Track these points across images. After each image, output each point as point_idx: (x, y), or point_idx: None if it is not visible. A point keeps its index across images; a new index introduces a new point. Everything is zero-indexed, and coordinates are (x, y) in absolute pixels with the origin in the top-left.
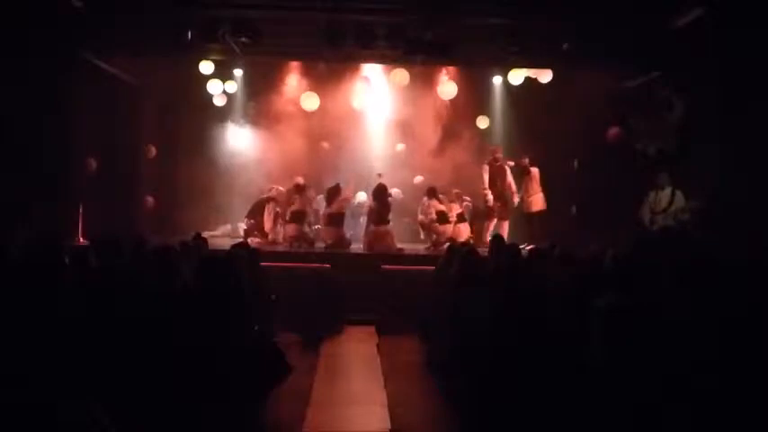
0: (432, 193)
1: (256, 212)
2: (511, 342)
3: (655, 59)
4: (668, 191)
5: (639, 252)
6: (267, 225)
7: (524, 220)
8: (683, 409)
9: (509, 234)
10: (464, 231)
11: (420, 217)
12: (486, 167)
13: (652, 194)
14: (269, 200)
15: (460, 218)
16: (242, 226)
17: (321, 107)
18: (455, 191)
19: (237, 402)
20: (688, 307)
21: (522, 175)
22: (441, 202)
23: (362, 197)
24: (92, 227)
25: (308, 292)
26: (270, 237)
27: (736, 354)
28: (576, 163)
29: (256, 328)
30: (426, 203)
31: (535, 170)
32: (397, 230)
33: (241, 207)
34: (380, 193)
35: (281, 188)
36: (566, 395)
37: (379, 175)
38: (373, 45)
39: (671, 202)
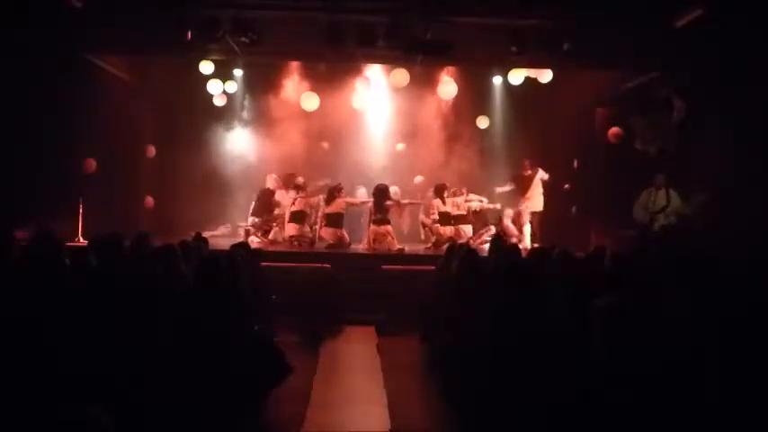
0: (438, 191)
1: (262, 210)
2: (511, 342)
3: (655, 59)
4: (664, 191)
5: (640, 251)
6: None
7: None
8: (682, 408)
9: None
10: (465, 232)
11: (421, 216)
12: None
13: (645, 194)
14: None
15: (463, 219)
16: (243, 225)
17: (321, 107)
18: (453, 189)
19: (237, 402)
20: (688, 306)
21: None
22: (445, 202)
23: (362, 192)
24: (92, 227)
25: (308, 292)
26: (270, 236)
27: (736, 353)
28: (575, 163)
29: (256, 328)
30: (429, 203)
31: (533, 173)
32: (401, 230)
33: (241, 207)
34: (379, 194)
35: (274, 176)
36: (565, 395)
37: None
38: (373, 45)
39: (668, 203)
